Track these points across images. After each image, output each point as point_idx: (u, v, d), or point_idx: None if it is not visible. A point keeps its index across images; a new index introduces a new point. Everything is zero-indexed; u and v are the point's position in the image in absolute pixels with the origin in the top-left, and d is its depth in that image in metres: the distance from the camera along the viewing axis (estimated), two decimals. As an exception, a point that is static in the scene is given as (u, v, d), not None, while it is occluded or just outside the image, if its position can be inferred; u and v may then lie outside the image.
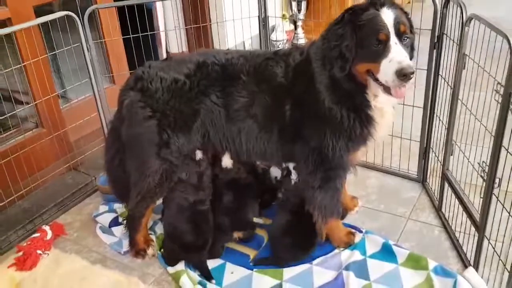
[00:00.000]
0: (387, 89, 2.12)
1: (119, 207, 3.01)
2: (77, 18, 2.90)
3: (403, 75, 1.98)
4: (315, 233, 2.53)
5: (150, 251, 2.64)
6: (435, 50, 2.71)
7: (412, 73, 1.99)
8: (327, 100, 2.24)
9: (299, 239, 2.54)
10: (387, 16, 2.06)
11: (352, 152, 2.38)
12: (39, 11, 3.21)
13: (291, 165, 2.65)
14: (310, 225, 2.51)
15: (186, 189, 2.54)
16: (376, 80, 2.12)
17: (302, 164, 2.43)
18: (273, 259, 2.55)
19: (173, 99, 2.34)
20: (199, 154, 2.54)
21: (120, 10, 3.57)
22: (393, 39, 2.05)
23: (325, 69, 2.23)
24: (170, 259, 2.58)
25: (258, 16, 3.36)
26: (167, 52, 4.64)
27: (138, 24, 3.36)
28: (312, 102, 2.28)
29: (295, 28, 5.42)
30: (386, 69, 2.03)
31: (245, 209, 2.65)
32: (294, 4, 5.27)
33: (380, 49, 2.05)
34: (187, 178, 2.54)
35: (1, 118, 2.83)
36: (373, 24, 2.06)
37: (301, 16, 5.31)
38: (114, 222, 2.91)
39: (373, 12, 2.08)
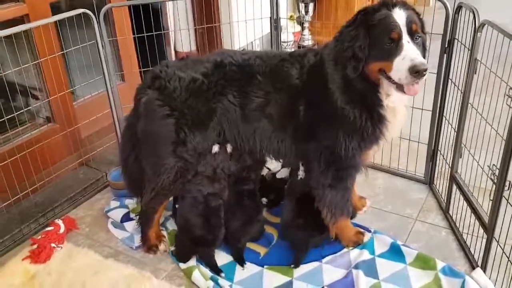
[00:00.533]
0: (400, 87, 2.17)
1: (130, 202, 3.06)
2: (93, 16, 2.93)
3: (416, 72, 2.03)
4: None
5: (162, 246, 2.68)
6: (445, 55, 2.75)
7: (426, 69, 2.04)
8: (340, 100, 2.29)
9: (311, 220, 2.58)
10: (399, 15, 2.11)
11: (364, 151, 2.42)
12: (54, 8, 3.26)
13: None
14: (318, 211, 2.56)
15: (202, 181, 2.59)
16: (389, 78, 2.17)
17: (314, 163, 2.47)
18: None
19: (191, 98, 2.38)
20: (215, 148, 2.58)
21: (131, 9, 3.61)
22: (406, 38, 2.10)
23: (337, 70, 2.27)
24: (180, 255, 2.62)
25: (270, 18, 3.40)
26: (175, 51, 4.68)
27: (147, 23, 3.39)
28: (325, 102, 2.32)
29: (302, 29, 5.46)
30: (400, 67, 2.07)
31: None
32: (301, 5, 5.31)
33: (393, 48, 2.10)
34: (203, 170, 2.59)
35: (17, 113, 2.86)
36: (385, 23, 2.11)
37: (308, 17, 5.36)
38: (126, 218, 2.96)
39: (385, 12, 2.13)
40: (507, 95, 2.06)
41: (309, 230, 2.57)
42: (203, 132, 2.44)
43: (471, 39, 2.46)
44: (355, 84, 2.24)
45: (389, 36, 2.10)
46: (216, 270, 2.52)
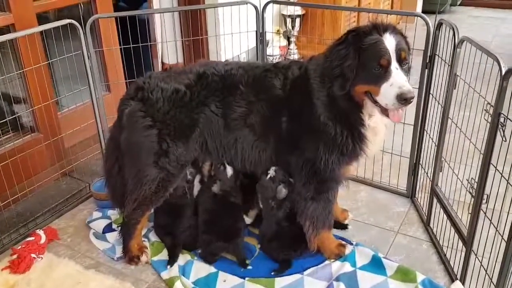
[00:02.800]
0: (384, 111, 2.20)
1: (113, 213, 3.05)
2: (79, 27, 2.94)
3: (404, 99, 2.07)
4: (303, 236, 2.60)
5: (143, 258, 2.67)
6: (427, 70, 2.80)
7: (412, 97, 2.08)
8: (323, 116, 2.32)
9: (287, 240, 2.63)
10: (390, 42, 2.13)
11: (344, 166, 2.45)
12: (41, 18, 3.27)
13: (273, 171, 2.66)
14: (296, 231, 2.59)
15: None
16: (375, 102, 2.20)
17: (296, 175, 2.49)
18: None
19: (173, 109, 2.40)
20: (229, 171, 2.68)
21: (118, 20, 3.63)
22: (394, 65, 2.13)
23: (323, 86, 2.30)
24: (207, 255, 2.67)
25: (256, 31, 3.44)
26: (162, 63, 4.70)
27: (135, 35, 3.41)
28: (308, 116, 2.35)
29: (289, 43, 5.52)
30: (387, 93, 2.11)
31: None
32: (288, 20, 5.37)
33: (381, 73, 2.13)
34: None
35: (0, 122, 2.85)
36: (375, 48, 2.13)
37: (295, 32, 5.42)
38: (108, 228, 2.94)
39: (377, 37, 2.14)
40: (485, 109, 2.10)
41: (285, 250, 2.62)
42: (185, 143, 2.45)
43: (451, 54, 2.51)
44: (339, 102, 2.27)
45: (379, 61, 2.12)
46: (242, 262, 2.61)
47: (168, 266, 2.60)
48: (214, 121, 2.44)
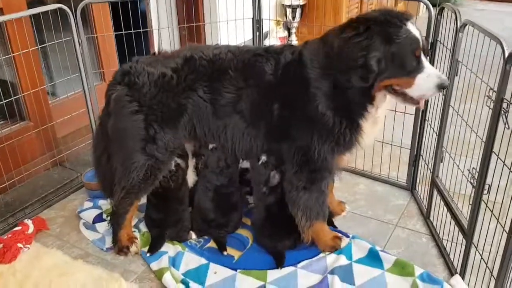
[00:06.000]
0: (409, 100, 2.19)
1: (104, 203, 2.98)
2: (69, 11, 2.87)
3: (443, 88, 2.11)
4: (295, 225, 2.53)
5: (133, 248, 2.60)
6: (428, 57, 2.70)
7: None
8: (322, 106, 2.23)
9: (279, 228, 2.57)
10: (417, 32, 2.09)
11: (337, 156, 2.38)
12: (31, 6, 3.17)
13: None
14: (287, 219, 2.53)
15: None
16: (396, 92, 2.17)
17: (288, 164, 2.41)
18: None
19: (160, 94, 2.32)
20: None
21: (114, 8, 3.54)
22: (423, 55, 2.10)
23: (325, 76, 2.21)
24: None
25: (252, 18, 3.35)
26: (159, 51, 4.61)
27: (131, 22, 3.34)
28: (303, 104, 2.26)
29: (289, 34, 5.43)
30: (425, 84, 2.09)
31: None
32: (288, 11, 5.29)
33: (415, 65, 2.08)
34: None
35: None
36: (410, 40, 2.06)
37: (295, 23, 5.33)
38: (98, 218, 2.88)
39: (407, 28, 2.06)
40: (487, 95, 2.01)
41: (277, 238, 2.56)
42: (173, 129, 2.37)
43: (453, 39, 2.42)
44: (350, 93, 2.18)
45: (415, 53, 2.07)
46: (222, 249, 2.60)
47: (148, 254, 2.55)
48: (203, 106, 2.36)
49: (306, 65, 2.26)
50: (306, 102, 2.25)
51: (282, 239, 2.56)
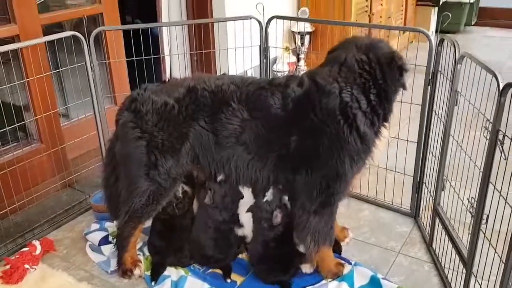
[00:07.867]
0: None
1: (110, 225, 3.02)
2: (82, 38, 2.97)
3: None
4: (292, 256, 2.56)
5: (136, 271, 2.63)
6: (429, 87, 2.75)
7: None
8: (363, 126, 2.28)
9: (276, 263, 2.57)
10: None
11: (356, 174, 2.44)
12: (48, 31, 3.30)
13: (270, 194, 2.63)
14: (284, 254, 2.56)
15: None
16: None
17: (304, 191, 2.42)
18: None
19: (161, 122, 2.38)
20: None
21: (126, 34, 3.65)
22: None
23: (363, 92, 2.28)
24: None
25: (260, 46, 3.43)
26: (168, 79, 4.71)
27: (144, 49, 3.43)
28: (336, 131, 2.28)
29: (298, 60, 5.51)
30: None
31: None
32: (297, 37, 5.37)
33: None
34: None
35: (1, 130, 2.87)
36: None
37: (304, 49, 5.41)
38: (104, 241, 2.91)
39: None
40: (484, 127, 2.04)
41: (274, 273, 2.56)
42: (175, 157, 2.42)
43: (452, 70, 2.46)
44: (386, 104, 2.34)
45: None
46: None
47: (153, 283, 2.56)
48: (205, 136, 2.40)
49: (331, 91, 2.28)
50: (339, 127, 2.27)
51: (279, 274, 2.56)
